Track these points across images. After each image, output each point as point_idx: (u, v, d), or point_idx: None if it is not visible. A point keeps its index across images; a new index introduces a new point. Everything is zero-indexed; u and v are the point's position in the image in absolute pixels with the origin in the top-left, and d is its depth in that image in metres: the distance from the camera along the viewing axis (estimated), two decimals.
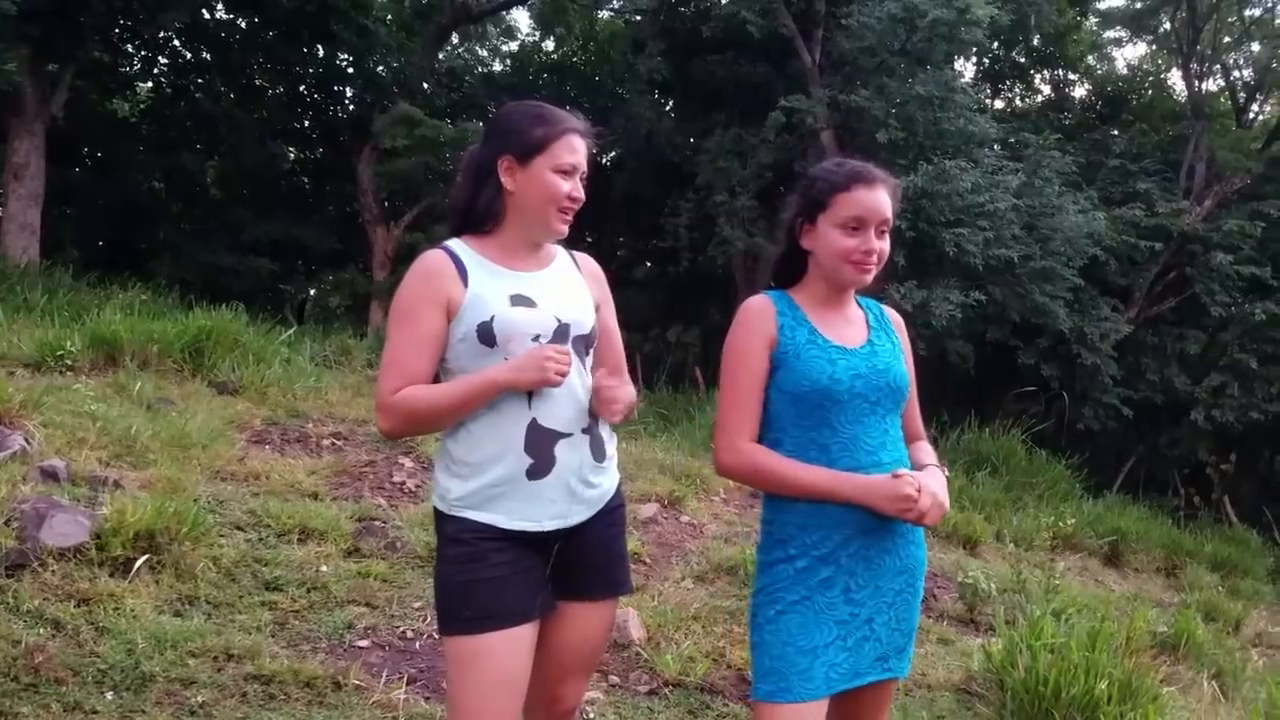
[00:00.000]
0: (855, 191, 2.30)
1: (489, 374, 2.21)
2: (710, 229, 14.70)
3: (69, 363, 7.03)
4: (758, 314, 2.35)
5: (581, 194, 2.33)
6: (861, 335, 2.39)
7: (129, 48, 17.34)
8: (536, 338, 2.25)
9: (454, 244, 2.32)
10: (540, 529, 2.26)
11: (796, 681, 2.24)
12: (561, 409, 2.26)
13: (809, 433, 2.29)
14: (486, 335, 2.23)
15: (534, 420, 2.24)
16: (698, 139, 15.65)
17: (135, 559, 3.96)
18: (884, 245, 2.32)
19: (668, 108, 17.58)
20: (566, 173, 2.30)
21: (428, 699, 3.61)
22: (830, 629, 2.27)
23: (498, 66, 21.53)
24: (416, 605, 4.35)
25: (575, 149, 2.31)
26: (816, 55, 14.69)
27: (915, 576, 2.39)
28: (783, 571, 2.31)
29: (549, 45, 21.54)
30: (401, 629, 4.16)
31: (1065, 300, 13.53)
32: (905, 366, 2.42)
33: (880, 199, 2.31)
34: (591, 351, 2.39)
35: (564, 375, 2.20)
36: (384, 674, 3.71)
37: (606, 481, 2.39)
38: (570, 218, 2.34)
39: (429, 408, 2.24)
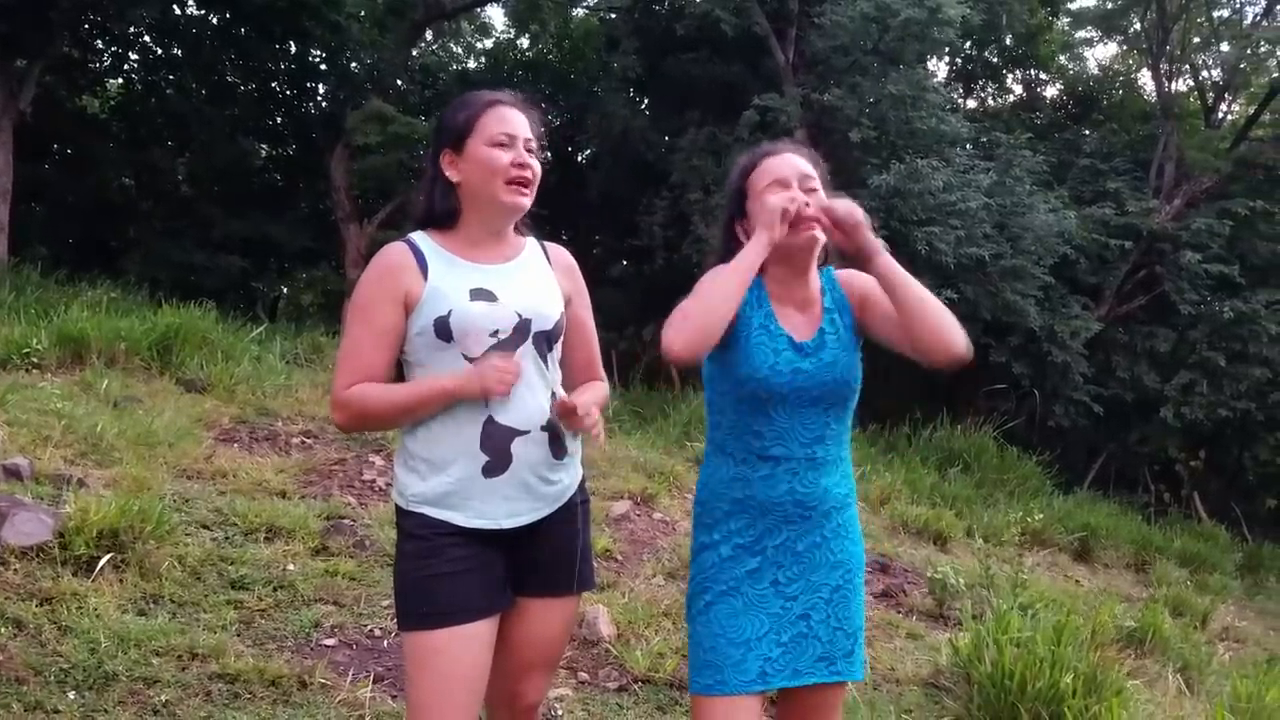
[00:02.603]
0: (765, 163, 2.33)
1: (441, 382, 2.21)
2: (685, 227, 14.69)
3: (35, 360, 6.98)
4: None
5: (528, 160, 2.29)
6: (814, 325, 2.34)
7: (99, 43, 17.16)
8: (495, 333, 2.23)
9: (417, 236, 2.31)
10: (498, 526, 2.25)
11: (731, 674, 2.23)
12: (519, 406, 2.24)
13: (745, 418, 2.30)
14: (443, 330, 2.21)
15: (490, 417, 2.22)
16: (672, 137, 15.63)
17: (99, 558, 3.94)
18: (819, 201, 2.28)
19: (642, 106, 17.56)
20: (503, 144, 2.27)
21: (394, 697, 3.59)
22: (762, 621, 2.26)
23: (472, 64, 21.43)
24: (384, 604, 4.33)
25: (504, 118, 2.29)
26: (790, 54, 14.71)
27: (853, 573, 2.35)
28: (709, 559, 2.32)
29: (524, 42, 21.46)
30: (369, 627, 4.14)
31: (1036, 298, 13.61)
32: (856, 355, 2.36)
33: (790, 160, 2.31)
34: (556, 346, 2.36)
35: (509, 386, 2.19)
36: (350, 672, 3.70)
37: (567, 478, 2.37)
38: (524, 189, 2.29)
39: (382, 408, 2.24)
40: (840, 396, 2.31)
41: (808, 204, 2.25)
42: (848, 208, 2.23)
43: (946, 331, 2.19)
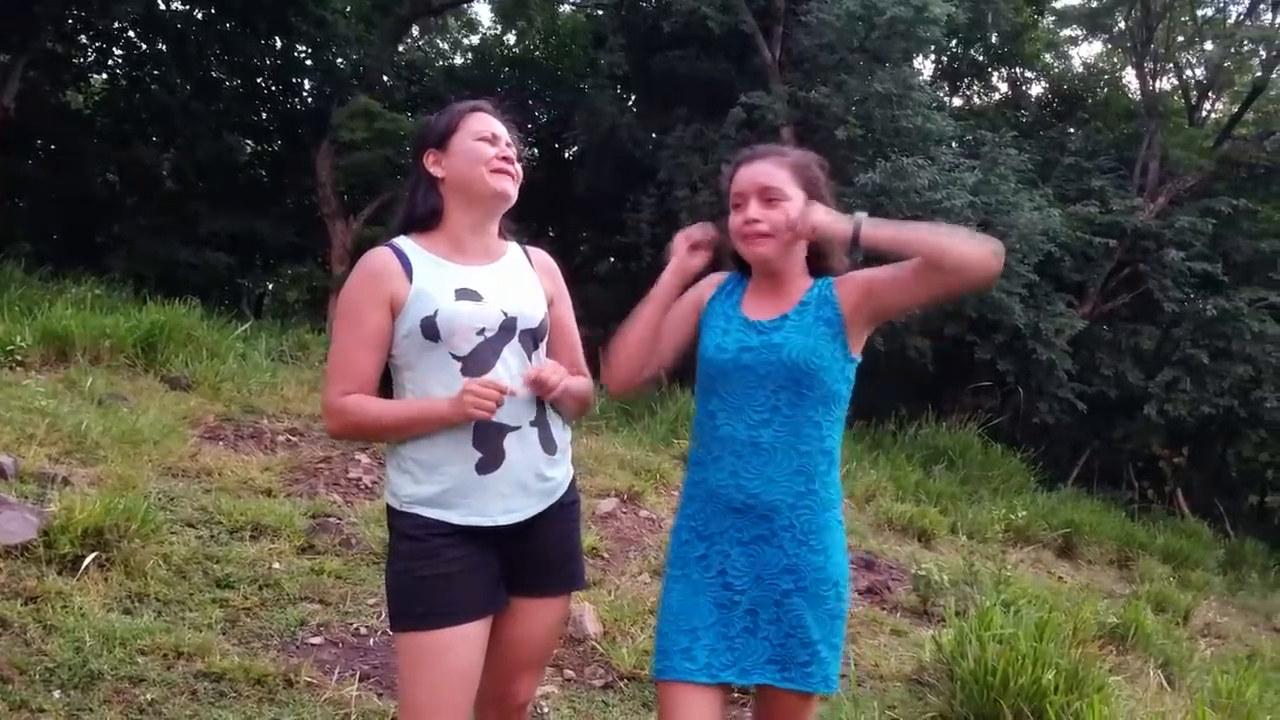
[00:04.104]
0: (738, 172, 2.36)
1: (435, 408, 2.22)
2: (673, 224, 14.64)
3: (19, 358, 6.96)
4: (704, 281, 2.47)
5: (511, 154, 2.35)
6: (780, 310, 2.34)
7: (82, 38, 17.04)
8: (481, 330, 2.25)
9: (400, 241, 2.33)
10: (493, 523, 2.26)
11: (679, 660, 2.24)
12: (509, 403, 2.24)
13: (705, 399, 2.35)
14: (430, 330, 2.23)
15: None
16: (659, 134, 15.63)
17: (84, 557, 3.93)
18: (774, 213, 2.28)
19: (629, 103, 17.55)
20: (487, 140, 2.33)
21: (380, 695, 3.60)
22: (709, 610, 2.26)
23: (459, 60, 21.41)
24: (370, 602, 4.34)
25: (485, 120, 2.37)
26: (776, 52, 14.73)
27: (806, 579, 2.25)
28: (673, 543, 2.38)
29: (510, 39, 21.42)
30: (355, 626, 4.15)
31: (1021, 296, 13.64)
32: (834, 338, 2.28)
33: (756, 171, 2.33)
34: (542, 345, 2.38)
35: (490, 412, 2.17)
36: (336, 671, 3.70)
37: (559, 474, 2.38)
38: (509, 178, 2.34)
39: (373, 423, 2.27)
40: (789, 379, 2.26)
41: (756, 220, 2.29)
42: (799, 221, 2.26)
43: (972, 252, 2.12)
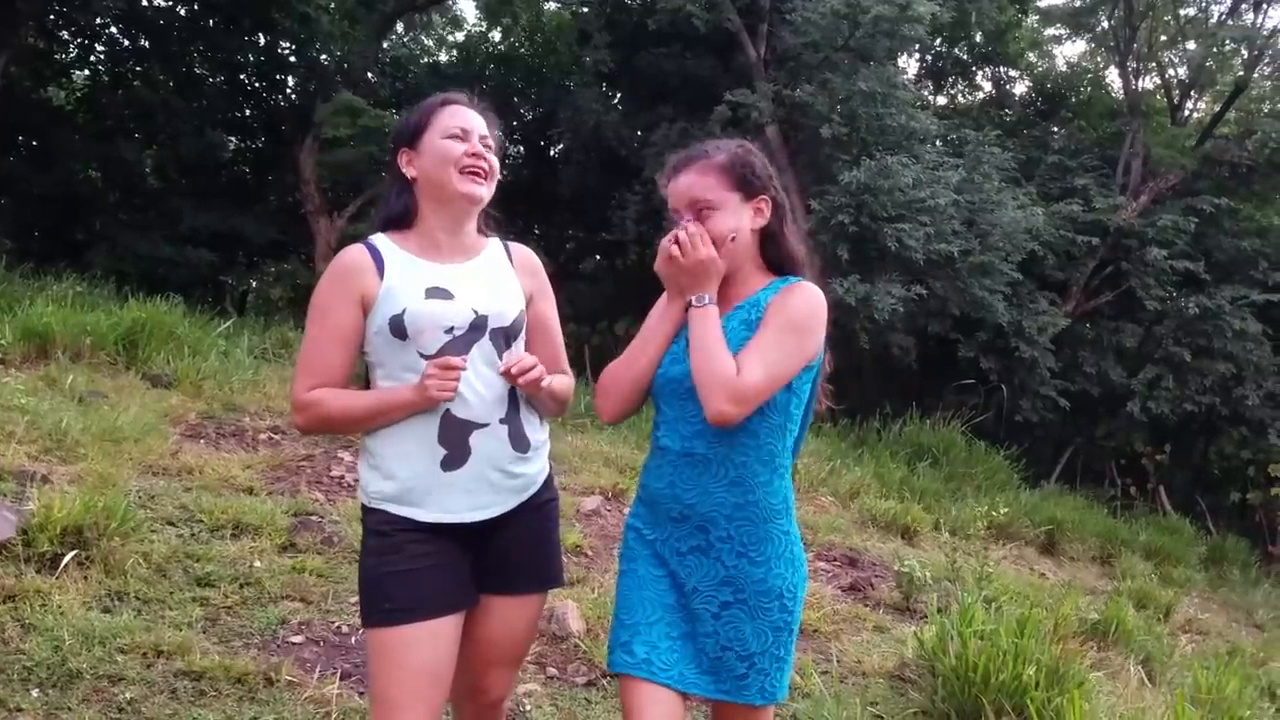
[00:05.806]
0: (668, 187, 2.33)
1: (400, 395, 2.22)
2: (658, 222, 14.62)
3: None
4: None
5: (482, 150, 2.33)
6: None
7: (64, 34, 16.94)
8: (450, 329, 2.24)
9: (376, 238, 2.33)
10: (459, 520, 2.26)
11: (620, 654, 2.24)
12: (476, 399, 2.25)
13: (656, 411, 2.36)
14: (398, 328, 2.23)
15: (448, 411, 2.23)
16: (644, 132, 15.63)
17: (63, 555, 3.91)
18: (706, 226, 2.24)
19: (614, 100, 17.56)
20: (457, 137, 2.31)
21: (361, 694, 3.58)
22: (653, 609, 2.25)
23: (443, 56, 21.34)
24: (352, 600, 4.32)
25: (457, 114, 2.34)
26: (761, 50, 14.77)
27: (745, 592, 2.22)
28: (623, 539, 2.38)
29: (495, 36, 21.37)
30: (336, 624, 4.14)
31: (1004, 294, 13.70)
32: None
33: (680, 184, 2.29)
34: (515, 343, 2.36)
35: (448, 391, 2.17)
36: (317, 669, 3.69)
37: (530, 470, 2.37)
38: (480, 178, 2.32)
39: (341, 414, 2.27)
40: None
41: (687, 227, 2.24)
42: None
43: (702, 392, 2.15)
